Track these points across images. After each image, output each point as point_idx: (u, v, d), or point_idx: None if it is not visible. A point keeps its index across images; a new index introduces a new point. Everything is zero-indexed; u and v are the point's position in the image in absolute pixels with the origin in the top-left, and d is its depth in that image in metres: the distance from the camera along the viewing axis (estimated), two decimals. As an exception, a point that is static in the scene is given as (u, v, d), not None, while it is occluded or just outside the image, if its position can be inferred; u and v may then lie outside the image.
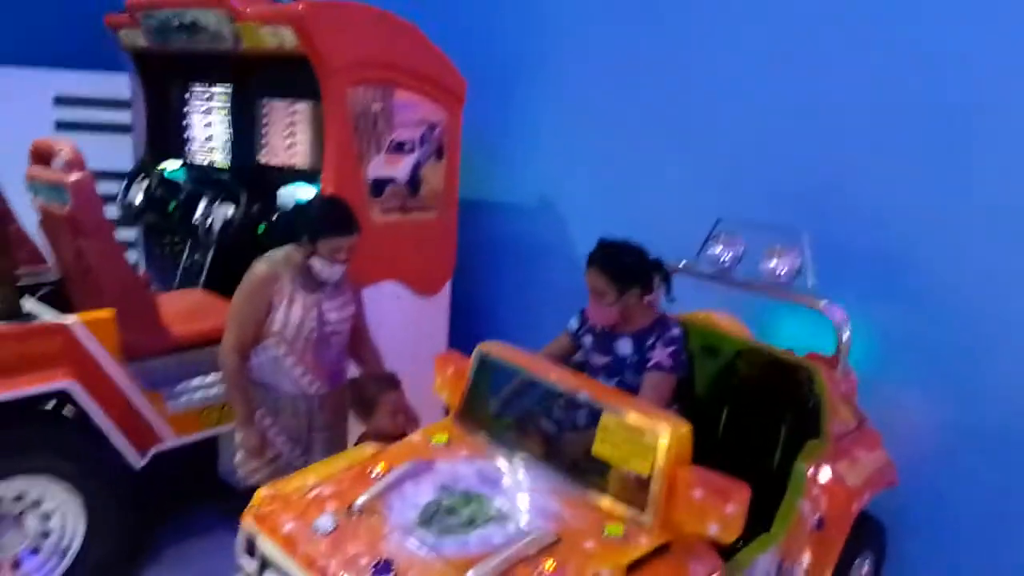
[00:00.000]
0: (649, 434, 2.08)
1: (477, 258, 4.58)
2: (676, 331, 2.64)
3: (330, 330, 2.72)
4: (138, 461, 2.94)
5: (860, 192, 3.29)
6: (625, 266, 2.59)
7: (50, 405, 2.85)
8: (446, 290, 4.08)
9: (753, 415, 2.84)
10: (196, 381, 3.17)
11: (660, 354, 2.58)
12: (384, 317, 3.63)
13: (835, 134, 3.36)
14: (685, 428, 2.09)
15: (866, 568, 2.89)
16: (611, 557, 1.92)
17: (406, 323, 3.76)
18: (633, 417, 2.13)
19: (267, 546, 2.03)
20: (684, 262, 3.13)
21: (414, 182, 3.70)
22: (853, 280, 3.23)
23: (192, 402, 3.11)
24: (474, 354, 2.55)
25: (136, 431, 2.91)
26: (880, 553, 2.95)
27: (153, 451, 2.99)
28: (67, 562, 2.79)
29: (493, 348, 2.54)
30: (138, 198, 4.03)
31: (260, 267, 2.71)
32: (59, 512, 2.78)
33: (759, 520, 2.40)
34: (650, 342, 2.60)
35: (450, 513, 2.05)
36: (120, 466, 2.91)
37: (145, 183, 4.05)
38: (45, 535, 2.78)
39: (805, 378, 2.71)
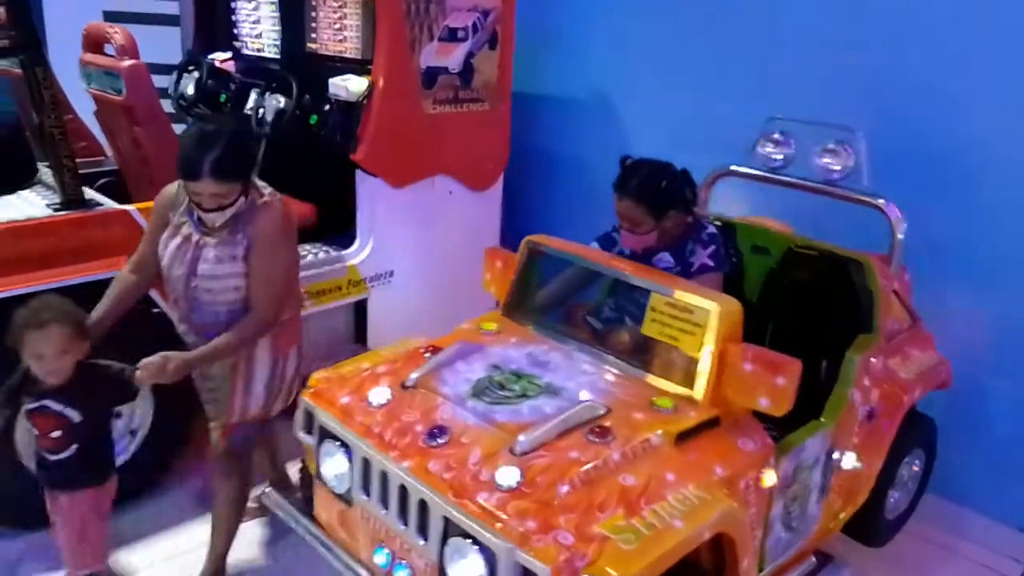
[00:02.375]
0: (699, 312, 2.08)
1: (530, 153, 4.45)
2: (710, 229, 2.60)
3: (197, 284, 2.22)
4: None
5: (919, 93, 3.19)
6: (662, 193, 2.47)
7: None
8: (499, 185, 4.00)
9: (805, 313, 2.81)
10: None
11: (701, 256, 2.55)
12: (436, 212, 3.63)
13: (897, 33, 3.24)
14: (735, 306, 2.09)
15: (916, 465, 2.88)
16: (660, 426, 1.95)
17: (458, 218, 3.71)
18: (682, 296, 2.13)
19: (324, 418, 2.10)
20: (732, 166, 3.09)
21: (467, 72, 3.59)
22: (908, 184, 3.16)
23: None
24: (522, 245, 2.57)
25: None
26: (931, 452, 2.94)
27: None
28: (136, 443, 2.90)
29: (541, 240, 2.55)
30: (189, 89, 3.91)
31: (170, 185, 2.34)
32: None
33: (812, 414, 2.41)
34: (689, 248, 2.57)
35: (501, 387, 2.09)
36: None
37: (195, 75, 3.94)
38: (116, 416, 2.84)
39: (856, 272, 2.67)
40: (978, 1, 3.02)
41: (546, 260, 2.55)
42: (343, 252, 3.44)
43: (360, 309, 3.57)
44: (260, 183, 2.32)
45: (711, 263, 2.54)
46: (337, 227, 3.49)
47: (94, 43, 2.94)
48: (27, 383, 2.10)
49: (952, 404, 3.08)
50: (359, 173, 3.38)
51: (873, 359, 2.54)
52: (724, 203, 3.26)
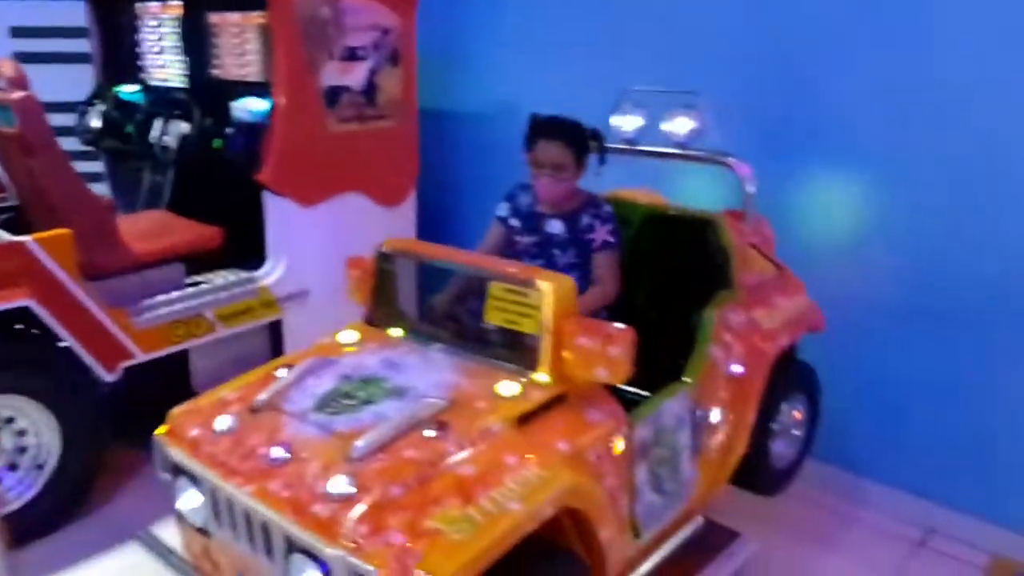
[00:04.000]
0: (533, 293, 2.09)
1: (442, 166, 4.52)
2: (608, 208, 2.67)
3: None
4: (107, 376, 3.00)
5: (793, 63, 3.26)
6: (584, 136, 2.61)
7: (18, 326, 2.87)
8: (411, 200, 4.06)
9: (669, 278, 2.86)
10: (161, 298, 3.21)
11: (602, 232, 2.62)
12: (349, 229, 3.67)
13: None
14: (567, 282, 2.10)
15: (800, 411, 2.93)
16: (502, 411, 1.96)
17: (372, 235, 3.66)
18: (517, 280, 2.14)
19: (174, 454, 2.07)
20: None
21: (370, 90, 3.66)
22: (776, 147, 3.26)
23: (159, 318, 3.15)
24: (374, 252, 2.57)
25: (103, 347, 2.96)
26: (813, 397, 2.99)
27: (122, 366, 3.04)
28: (44, 477, 2.88)
29: (393, 243, 2.55)
30: (95, 122, 3.99)
31: None
32: (33, 429, 2.86)
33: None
34: (585, 222, 2.62)
35: (347, 397, 2.09)
36: (91, 382, 2.99)
37: (101, 107, 4.01)
38: (22, 451, 2.85)
39: (709, 230, 2.71)
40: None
41: (403, 263, 2.55)
42: (253, 273, 3.46)
43: (276, 330, 3.58)
44: None
45: (612, 239, 2.62)
46: (252, 250, 3.53)
47: None
48: None
49: (842, 375, 3.17)
50: (266, 194, 3.41)
51: (731, 314, 2.59)
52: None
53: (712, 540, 2.71)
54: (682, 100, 2.90)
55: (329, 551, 1.64)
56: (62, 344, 2.86)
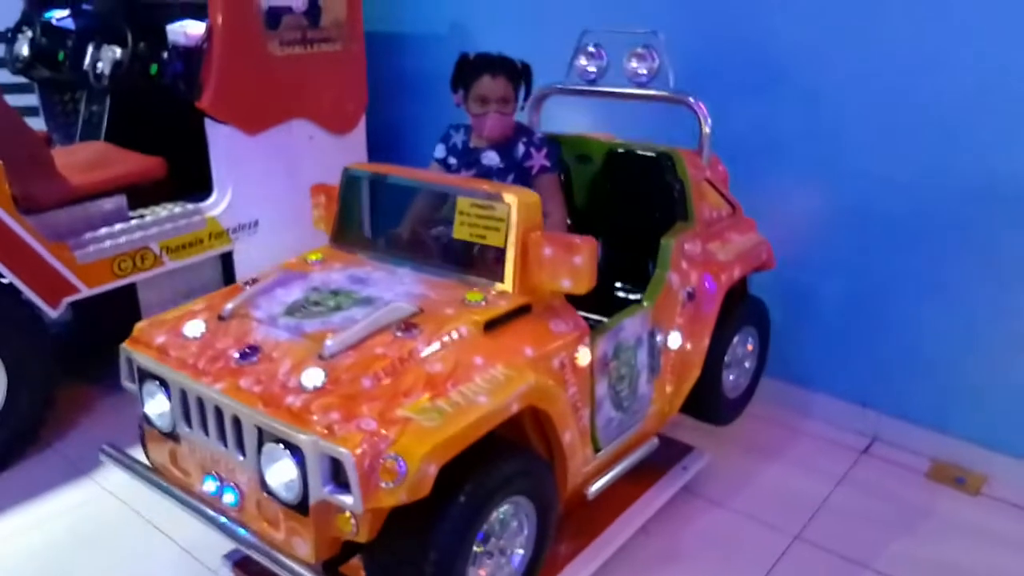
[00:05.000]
0: (500, 207, 2.15)
1: (392, 92, 4.47)
2: (540, 134, 2.74)
3: None
4: (52, 312, 2.95)
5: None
6: (523, 71, 2.68)
7: None
8: (361, 127, 4.02)
9: (630, 211, 2.93)
10: (104, 231, 3.14)
11: (538, 158, 2.68)
12: (298, 158, 3.63)
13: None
14: (533, 197, 2.16)
15: (750, 344, 3.05)
16: (469, 317, 2.01)
17: (321, 164, 3.66)
18: (484, 195, 2.19)
19: (141, 360, 2.08)
20: (556, 84, 3.16)
21: (313, 11, 3.57)
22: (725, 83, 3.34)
23: (102, 251, 3.08)
24: (341, 176, 2.59)
25: (45, 282, 2.90)
26: (764, 331, 3.11)
27: (67, 302, 3.00)
28: None
29: (358, 166, 2.58)
30: (24, 51, 3.80)
31: None
32: None
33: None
34: (520, 150, 2.68)
35: (316, 305, 2.12)
36: (35, 319, 2.95)
37: (30, 34, 3.82)
38: None
39: (667, 165, 2.79)
40: None
41: (367, 186, 2.58)
42: (200, 204, 3.40)
43: (228, 262, 3.56)
44: None
45: (548, 164, 2.69)
46: (198, 181, 3.45)
47: None
48: None
49: (788, 292, 3.30)
50: (208, 121, 3.34)
51: (688, 243, 2.68)
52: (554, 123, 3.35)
53: (666, 454, 2.83)
54: (642, 40, 2.97)
55: (302, 436, 1.68)
56: (2, 280, 2.79)
